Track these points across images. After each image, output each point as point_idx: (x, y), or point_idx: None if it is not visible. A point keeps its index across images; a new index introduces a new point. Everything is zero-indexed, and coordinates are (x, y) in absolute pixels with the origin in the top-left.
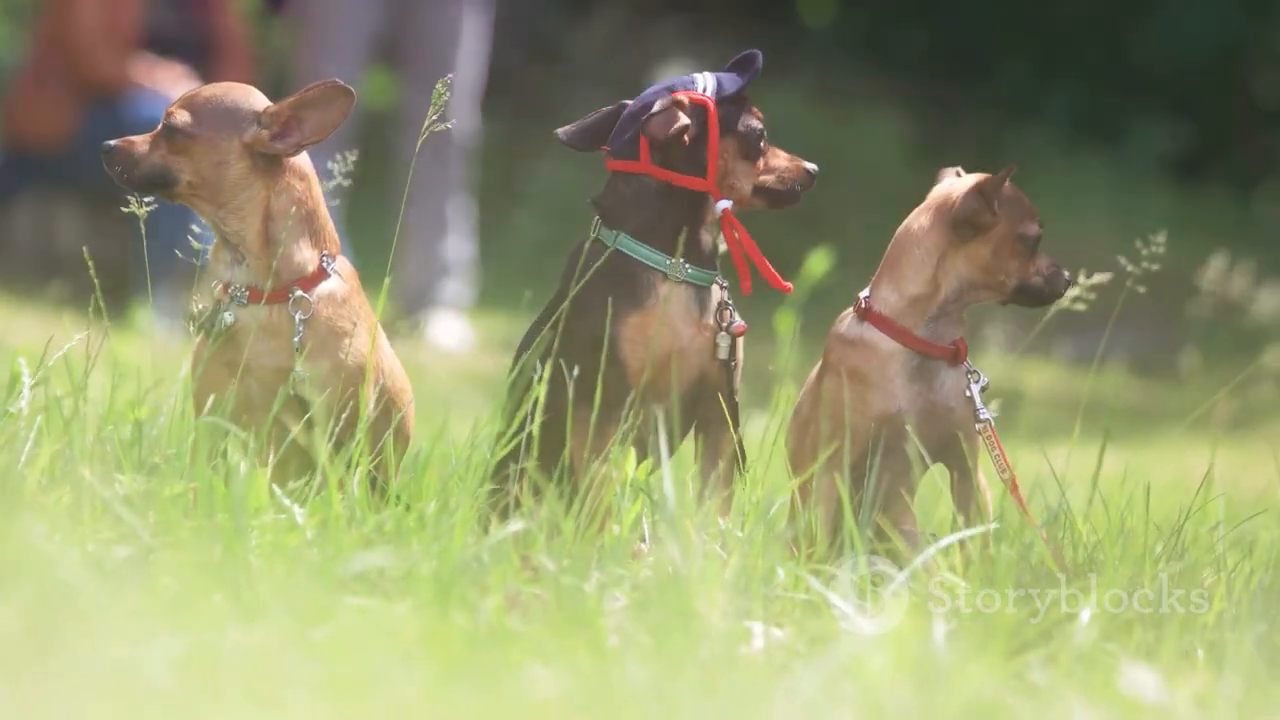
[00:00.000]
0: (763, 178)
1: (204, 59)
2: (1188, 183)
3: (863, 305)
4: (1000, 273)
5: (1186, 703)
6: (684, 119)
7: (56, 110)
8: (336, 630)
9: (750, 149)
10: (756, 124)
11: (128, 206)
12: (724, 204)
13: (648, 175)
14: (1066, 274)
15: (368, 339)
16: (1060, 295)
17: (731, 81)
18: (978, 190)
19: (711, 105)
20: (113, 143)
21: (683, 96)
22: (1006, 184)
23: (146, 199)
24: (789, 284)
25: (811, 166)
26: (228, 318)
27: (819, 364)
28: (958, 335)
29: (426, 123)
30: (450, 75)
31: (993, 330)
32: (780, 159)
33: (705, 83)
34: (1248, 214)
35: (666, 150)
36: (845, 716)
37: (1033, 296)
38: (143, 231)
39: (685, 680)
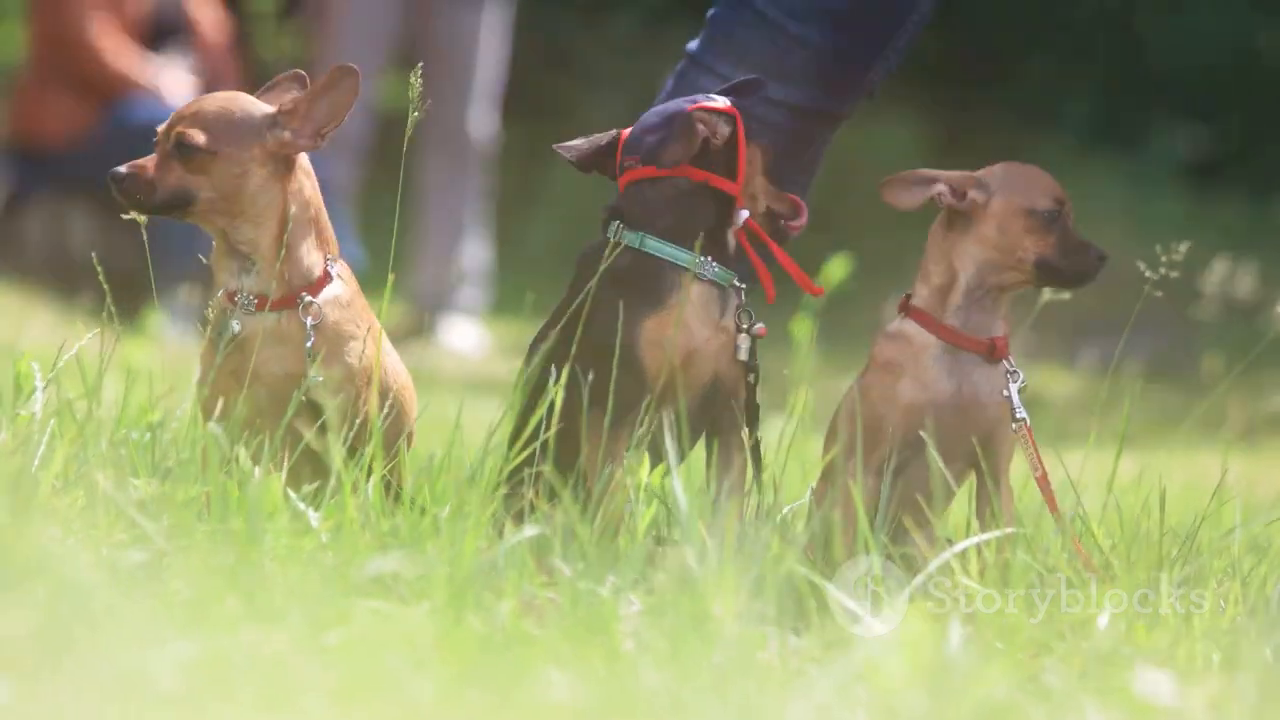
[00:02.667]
0: (772, 203)
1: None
2: (1206, 187)
3: (904, 301)
4: (1016, 250)
5: (1201, 706)
6: (718, 125)
7: (63, 110)
8: (351, 634)
9: (770, 165)
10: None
11: (126, 214)
12: (745, 213)
13: (682, 177)
14: (1098, 252)
15: (372, 341)
16: (1089, 274)
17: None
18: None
19: (738, 114)
20: (123, 170)
21: (707, 106)
22: (1003, 164)
23: None
24: (820, 287)
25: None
26: (235, 326)
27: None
28: (999, 332)
29: (410, 117)
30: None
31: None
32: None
33: (718, 100)
34: (1266, 219)
35: (703, 153)
36: None
37: (1052, 274)
38: (145, 238)
39: (700, 685)
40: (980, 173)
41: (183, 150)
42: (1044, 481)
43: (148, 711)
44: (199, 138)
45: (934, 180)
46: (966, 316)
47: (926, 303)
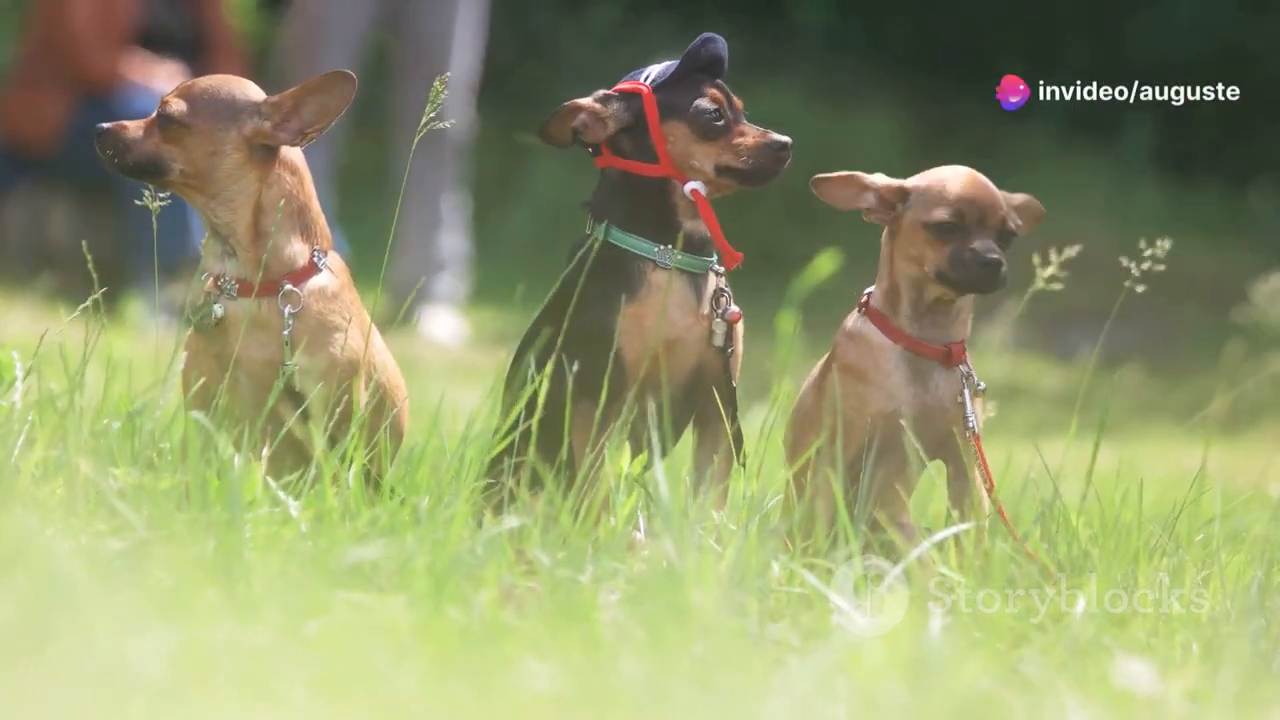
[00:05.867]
0: (723, 158)
1: (197, 55)
2: (1182, 178)
3: (863, 301)
4: (919, 262)
5: (1179, 696)
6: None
7: (49, 108)
8: (330, 624)
9: (704, 130)
10: (708, 105)
11: (141, 200)
12: (691, 186)
13: (611, 167)
14: (984, 259)
15: (359, 334)
16: (980, 282)
17: (675, 66)
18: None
19: (645, 91)
20: (106, 125)
21: (619, 89)
22: (935, 170)
23: (160, 195)
24: (739, 253)
25: (779, 138)
26: (218, 310)
27: (823, 359)
28: (958, 338)
29: (424, 119)
30: (447, 71)
31: (993, 327)
32: (747, 137)
33: (652, 72)
34: (1242, 209)
35: (617, 141)
36: (839, 711)
37: (951, 285)
38: (154, 226)
39: (680, 674)
40: (910, 181)
41: (162, 119)
42: (992, 494)
43: (128, 700)
44: (178, 108)
45: (866, 189)
46: (921, 323)
47: (880, 304)
